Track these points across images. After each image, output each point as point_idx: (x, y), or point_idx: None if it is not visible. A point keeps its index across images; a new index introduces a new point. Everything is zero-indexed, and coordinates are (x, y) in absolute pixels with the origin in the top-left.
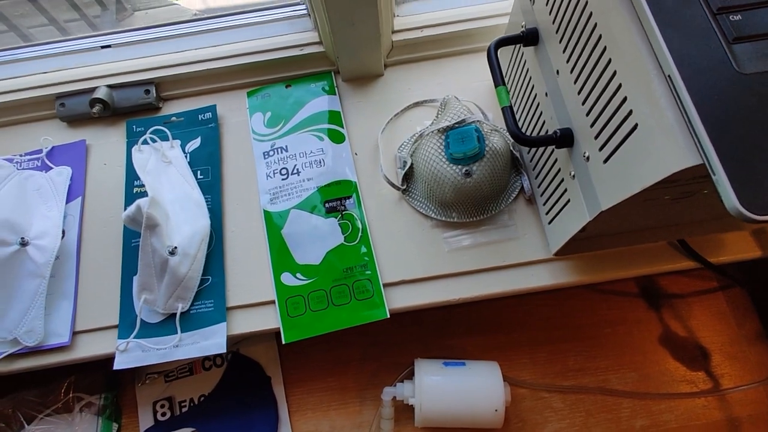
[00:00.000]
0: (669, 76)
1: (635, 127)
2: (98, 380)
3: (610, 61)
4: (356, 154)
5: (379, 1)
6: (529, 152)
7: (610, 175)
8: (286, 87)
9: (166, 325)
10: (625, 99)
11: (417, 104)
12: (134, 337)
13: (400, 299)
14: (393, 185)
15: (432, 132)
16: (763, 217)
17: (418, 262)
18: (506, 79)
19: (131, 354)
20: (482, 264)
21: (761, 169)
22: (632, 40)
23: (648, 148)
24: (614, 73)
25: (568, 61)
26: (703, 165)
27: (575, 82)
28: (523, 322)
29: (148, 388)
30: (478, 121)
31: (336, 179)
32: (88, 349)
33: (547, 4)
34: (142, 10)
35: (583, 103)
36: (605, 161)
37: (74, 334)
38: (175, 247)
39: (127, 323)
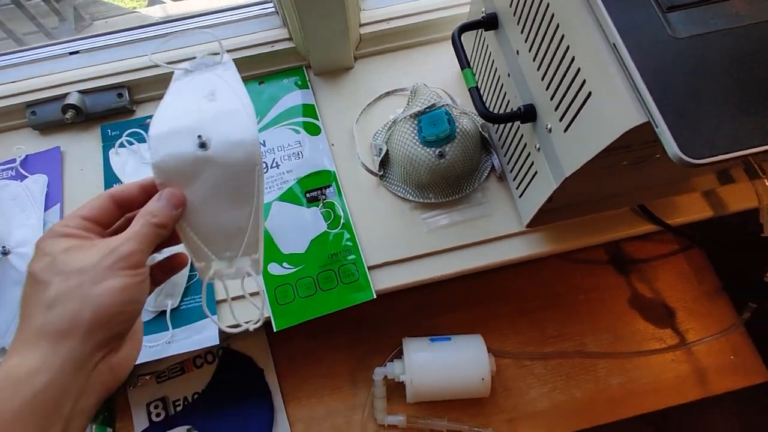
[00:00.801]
0: (614, 44)
1: (589, 95)
2: None
3: (563, 37)
4: (333, 144)
5: None
6: (497, 132)
7: (571, 143)
8: (260, 84)
9: (157, 322)
10: (578, 70)
11: (388, 93)
12: None
13: (385, 280)
14: (371, 172)
15: (405, 118)
16: (700, 161)
17: (400, 244)
18: (471, 64)
19: None
20: (460, 241)
21: (695, 120)
22: (581, 16)
23: (602, 113)
24: (567, 48)
25: (526, 41)
26: (649, 124)
27: (534, 60)
28: (503, 296)
29: (140, 390)
30: (447, 105)
31: (315, 170)
32: None
33: None
34: (101, 19)
35: (543, 79)
36: (565, 130)
37: None
38: None
39: None
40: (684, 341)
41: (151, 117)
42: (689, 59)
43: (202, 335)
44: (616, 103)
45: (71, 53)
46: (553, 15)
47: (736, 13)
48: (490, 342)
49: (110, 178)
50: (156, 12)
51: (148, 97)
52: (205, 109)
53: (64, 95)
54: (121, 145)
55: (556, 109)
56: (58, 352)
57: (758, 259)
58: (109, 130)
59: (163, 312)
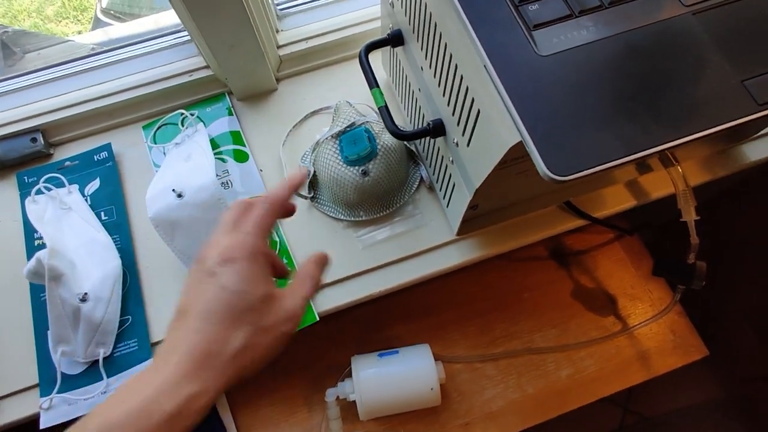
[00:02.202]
0: (485, 66)
1: (479, 112)
2: None
3: (451, 56)
4: (261, 170)
5: (254, 21)
6: (420, 144)
7: (474, 157)
8: (182, 115)
9: (91, 373)
10: (468, 89)
11: (314, 113)
12: (57, 392)
13: (327, 301)
14: (300, 195)
15: (327, 138)
16: (565, 178)
17: (338, 264)
18: (392, 77)
19: (57, 410)
20: (396, 255)
21: (562, 137)
22: (462, 37)
23: (491, 130)
24: (456, 67)
25: (426, 58)
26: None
27: (435, 77)
28: (450, 302)
29: None
30: (367, 122)
31: (247, 198)
32: (10, 413)
33: (402, 7)
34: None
35: (444, 95)
36: (468, 145)
37: None
38: (86, 293)
39: (48, 379)
40: (626, 327)
41: (70, 159)
42: (554, 76)
43: None
44: (500, 122)
45: None
46: (441, 34)
47: (597, 26)
48: (441, 348)
49: (30, 227)
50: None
51: (64, 139)
52: (182, 168)
53: None
54: (39, 192)
55: (458, 124)
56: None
57: (682, 236)
58: (25, 177)
59: (96, 362)
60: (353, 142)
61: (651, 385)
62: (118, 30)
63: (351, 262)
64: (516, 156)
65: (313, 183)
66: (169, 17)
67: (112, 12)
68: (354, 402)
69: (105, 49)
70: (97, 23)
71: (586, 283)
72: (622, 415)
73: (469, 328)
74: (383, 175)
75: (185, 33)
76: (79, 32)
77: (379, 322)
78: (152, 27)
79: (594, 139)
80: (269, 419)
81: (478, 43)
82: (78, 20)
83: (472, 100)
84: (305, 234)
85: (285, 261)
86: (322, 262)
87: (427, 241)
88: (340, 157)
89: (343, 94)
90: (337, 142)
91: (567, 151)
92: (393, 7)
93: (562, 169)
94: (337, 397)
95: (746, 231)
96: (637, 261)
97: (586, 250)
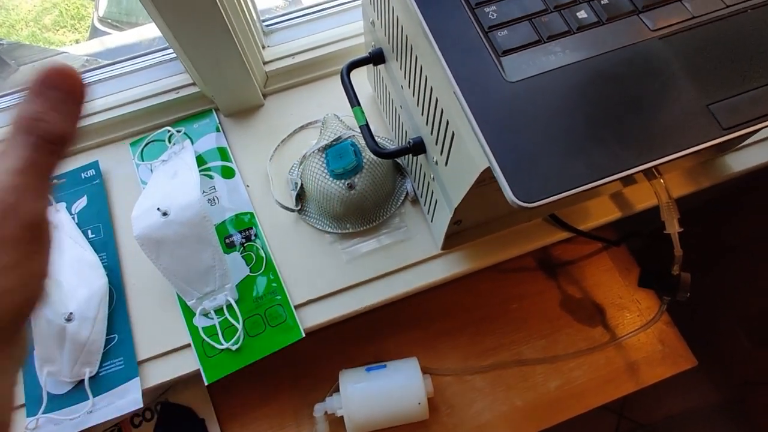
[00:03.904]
0: (454, 92)
1: (453, 134)
2: None
3: (427, 78)
4: (248, 186)
5: (237, 38)
6: (406, 159)
7: (452, 176)
8: (168, 132)
9: (76, 392)
10: (443, 111)
11: (302, 128)
12: (43, 413)
13: (312, 318)
14: (287, 208)
15: (313, 152)
16: (531, 204)
17: (323, 279)
18: (377, 93)
19: (43, 430)
20: (381, 269)
21: (528, 163)
22: (435, 62)
23: (465, 152)
24: (432, 88)
25: (405, 78)
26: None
27: (414, 96)
28: (439, 313)
29: None
30: (354, 135)
31: (234, 213)
32: None
33: (381, 27)
34: (27, 63)
35: (422, 114)
36: (446, 164)
37: None
38: (72, 313)
39: (34, 399)
40: (614, 337)
41: (57, 177)
42: (522, 102)
43: (125, 399)
44: (473, 145)
45: None
46: (416, 57)
47: (565, 52)
48: (430, 362)
49: None
50: (94, 47)
51: None
52: (167, 186)
53: None
54: None
55: (436, 143)
56: None
57: (669, 245)
58: None
59: (82, 381)
60: (339, 155)
61: (645, 391)
62: (115, 39)
63: (337, 276)
64: (490, 176)
65: (301, 196)
66: None
67: (109, 21)
68: (342, 417)
69: (92, 66)
70: (95, 32)
71: (575, 294)
72: (617, 422)
73: (458, 339)
74: (369, 189)
75: (171, 50)
76: (77, 41)
77: (367, 335)
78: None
79: (561, 165)
80: None
81: (447, 69)
82: (75, 29)
83: (447, 122)
84: (292, 248)
85: (272, 276)
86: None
87: (413, 255)
88: (326, 171)
89: (331, 108)
90: (324, 155)
91: (534, 178)
92: (374, 26)
93: (529, 196)
94: (326, 412)
95: (737, 237)
96: (625, 271)
97: (573, 260)
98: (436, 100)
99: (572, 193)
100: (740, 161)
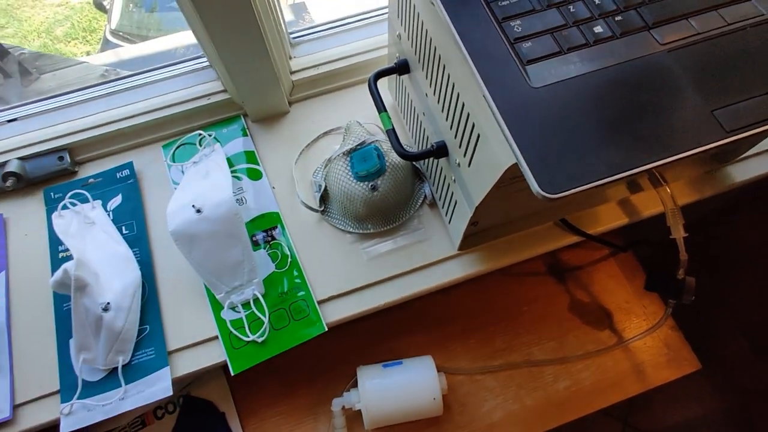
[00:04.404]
0: (484, 96)
1: (479, 136)
2: None
3: (454, 84)
4: (274, 187)
5: (270, 48)
6: (424, 163)
7: (475, 176)
8: (200, 135)
9: (109, 380)
10: (469, 115)
11: (325, 134)
12: (78, 398)
13: (334, 313)
14: (311, 209)
15: (338, 156)
16: (556, 195)
17: (344, 276)
18: (397, 101)
19: (77, 415)
20: (400, 268)
21: (552, 159)
22: (463, 68)
23: (490, 152)
24: (458, 95)
25: (431, 86)
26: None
27: (438, 102)
28: (452, 315)
29: None
30: (377, 140)
31: (260, 213)
32: (32, 419)
33: (408, 39)
34: (48, 72)
35: (446, 119)
36: (469, 165)
37: (15, 407)
38: (108, 303)
39: (69, 386)
40: (621, 340)
41: (94, 176)
42: (545, 106)
43: (155, 388)
44: (497, 145)
45: (9, 120)
46: (444, 66)
47: (583, 62)
48: (443, 360)
49: (55, 240)
50: (108, 58)
51: (89, 157)
52: (200, 185)
53: (4, 163)
54: (64, 207)
55: (460, 146)
56: None
57: (676, 252)
58: (51, 193)
59: (115, 369)
60: (363, 159)
61: (650, 399)
62: (127, 51)
63: (358, 274)
64: (512, 176)
65: (324, 197)
66: (177, 39)
67: (121, 33)
68: (359, 412)
69: (129, 73)
70: (106, 44)
71: (583, 298)
72: (621, 430)
73: (470, 340)
74: (391, 191)
75: (204, 59)
76: (88, 53)
77: (383, 335)
78: (160, 48)
79: (581, 161)
80: (277, 428)
81: (478, 76)
82: (87, 41)
83: (473, 125)
84: (315, 246)
85: (296, 273)
86: None
87: (430, 255)
88: (350, 173)
89: (352, 117)
90: (349, 158)
91: (557, 172)
92: (400, 38)
93: (553, 188)
94: (343, 406)
95: (740, 246)
96: (631, 276)
97: (582, 265)
98: (462, 105)
99: (592, 185)
100: (742, 172)
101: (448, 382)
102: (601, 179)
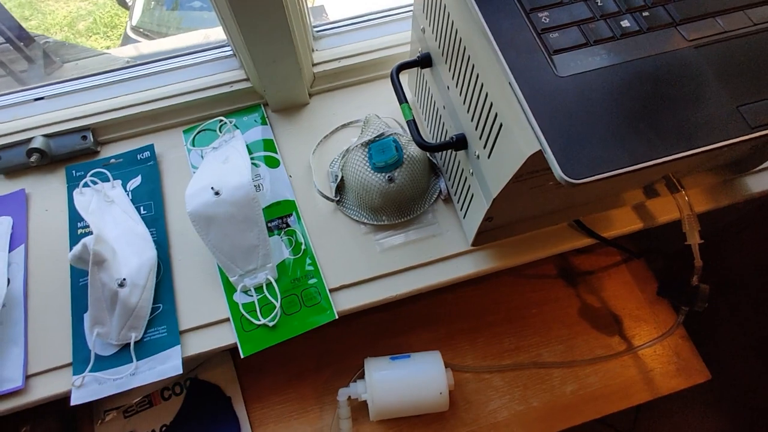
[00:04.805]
0: (510, 83)
1: (501, 126)
2: (54, 426)
3: (478, 75)
4: (290, 175)
5: (295, 40)
6: (441, 158)
7: (494, 168)
8: (220, 122)
9: (121, 355)
10: (492, 104)
11: (343, 126)
12: (89, 371)
13: (345, 301)
14: (327, 198)
15: (357, 146)
16: (578, 181)
17: (357, 266)
18: (416, 97)
19: (88, 388)
20: (412, 261)
21: (576, 147)
22: (489, 59)
23: (511, 141)
24: (482, 85)
25: (453, 78)
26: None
27: (460, 95)
28: (461, 313)
29: (108, 426)
30: (395, 133)
31: (276, 200)
32: (44, 389)
33: (433, 33)
34: (71, 61)
35: (468, 111)
36: (489, 157)
37: (27, 377)
38: (124, 279)
39: (81, 359)
40: (631, 347)
41: (116, 156)
42: (571, 95)
43: (166, 365)
44: (520, 134)
45: (36, 99)
46: (469, 57)
47: (609, 54)
48: (451, 358)
49: (75, 217)
50: (128, 52)
51: (111, 138)
52: (219, 169)
53: (29, 139)
54: (85, 185)
55: (480, 138)
56: None
57: (689, 264)
58: (73, 171)
59: (127, 345)
60: (382, 150)
61: (656, 414)
62: (147, 46)
63: (370, 264)
64: (531, 170)
65: (340, 188)
66: (195, 37)
67: (141, 30)
68: (364, 403)
69: (154, 59)
70: (126, 40)
71: (593, 303)
72: None
73: (478, 339)
74: (407, 183)
75: (228, 48)
76: (108, 47)
77: (391, 329)
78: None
79: (604, 149)
80: (282, 416)
81: (505, 64)
82: (107, 36)
83: (495, 115)
84: (329, 235)
85: (309, 261)
86: None
87: (443, 250)
88: (368, 164)
89: (371, 110)
90: (367, 149)
91: (579, 159)
92: (424, 32)
93: (576, 174)
94: (349, 397)
95: (755, 264)
96: (643, 284)
97: (593, 271)
98: (486, 95)
99: (613, 174)
100: (759, 183)
101: (455, 379)
102: (623, 168)
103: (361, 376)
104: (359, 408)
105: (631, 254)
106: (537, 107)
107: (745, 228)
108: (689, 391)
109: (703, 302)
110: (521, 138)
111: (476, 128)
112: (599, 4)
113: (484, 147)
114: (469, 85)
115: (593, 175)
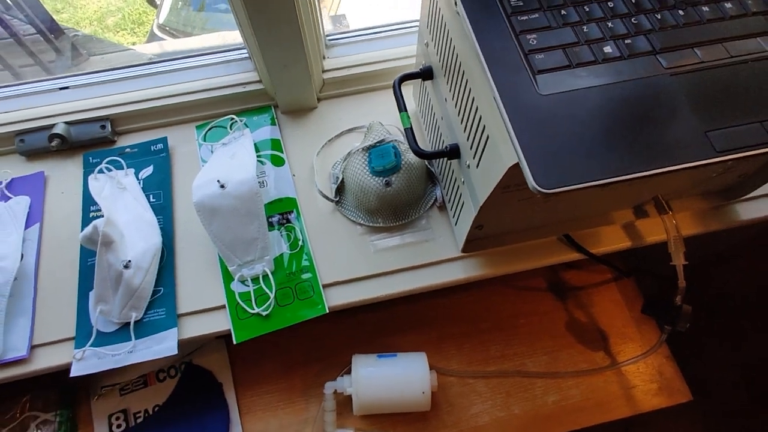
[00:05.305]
0: (495, 98)
1: (488, 138)
2: (53, 397)
3: (471, 90)
4: (294, 175)
5: (306, 48)
6: (438, 166)
7: (482, 177)
8: (231, 120)
9: (121, 333)
10: (481, 118)
11: (348, 131)
12: (90, 346)
13: (336, 298)
14: (327, 198)
15: (358, 150)
16: (550, 191)
17: (351, 264)
18: (419, 107)
19: (87, 361)
20: (404, 263)
21: (550, 160)
22: (480, 74)
23: (496, 153)
24: (474, 99)
25: (450, 91)
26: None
27: (455, 107)
28: (451, 318)
29: (103, 401)
30: (396, 140)
31: (278, 197)
32: (46, 360)
33: (435, 47)
34: (97, 55)
35: (461, 123)
36: (477, 167)
37: (32, 347)
38: (129, 261)
39: (84, 334)
40: (614, 362)
41: (131, 146)
42: (550, 112)
43: (162, 345)
44: (503, 146)
45: (61, 88)
46: (464, 72)
47: (590, 76)
48: (437, 361)
49: (88, 200)
50: (153, 48)
51: (128, 129)
52: (227, 164)
53: (52, 125)
54: (100, 171)
55: (471, 148)
56: None
57: (677, 286)
58: (90, 158)
59: (127, 323)
60: (381, 155)
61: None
62: (171, 45)
63: (363, 264)
64: (517, 181)
65: (340, 189)
66: (218, 38)
67: (167, 28)
68: (349, 397)
69: (173, 57)
70: (152, 37)
71: (580, 318)
72: None
73: (465, 345)
74: (403, 188)
75: (244, 51)
76: (134, 44)
77: (381, 330)
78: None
79: (578, 163)
80: (269, 405)
81: (492, 81)
82: (134, 32)
83: (484, 128)
84: (326, 234)
85: (305, 256)
86: None
87: (434, 254)
88: (368, 168)
89: (375, 117)
90: (367, 154)
91: (553, 171)
92: (427, 47)
93: (548, 185)
94: (335, 390)
95: (745, 289)
96: (631, 303)
97: (583, 287)
98: (476, 109)
99: (583, 186)
100: (748, 211)
101: (440, 381)
102: (593, 182)
103: (349, 372)
104: (344, 402)
105: (621, 272)
106: (517, 122)
107: (738, 255)
108: (677, 410)
109: (685, 322)
110: (504, 150)
111: (468, 139)
112: (585, 30)
113: (474, 157)
114: (463, 99)
115: (564, 186)
